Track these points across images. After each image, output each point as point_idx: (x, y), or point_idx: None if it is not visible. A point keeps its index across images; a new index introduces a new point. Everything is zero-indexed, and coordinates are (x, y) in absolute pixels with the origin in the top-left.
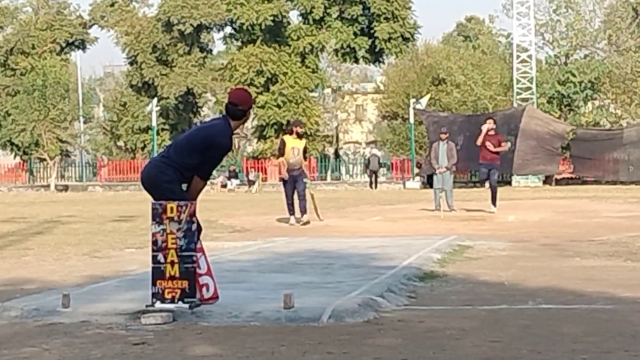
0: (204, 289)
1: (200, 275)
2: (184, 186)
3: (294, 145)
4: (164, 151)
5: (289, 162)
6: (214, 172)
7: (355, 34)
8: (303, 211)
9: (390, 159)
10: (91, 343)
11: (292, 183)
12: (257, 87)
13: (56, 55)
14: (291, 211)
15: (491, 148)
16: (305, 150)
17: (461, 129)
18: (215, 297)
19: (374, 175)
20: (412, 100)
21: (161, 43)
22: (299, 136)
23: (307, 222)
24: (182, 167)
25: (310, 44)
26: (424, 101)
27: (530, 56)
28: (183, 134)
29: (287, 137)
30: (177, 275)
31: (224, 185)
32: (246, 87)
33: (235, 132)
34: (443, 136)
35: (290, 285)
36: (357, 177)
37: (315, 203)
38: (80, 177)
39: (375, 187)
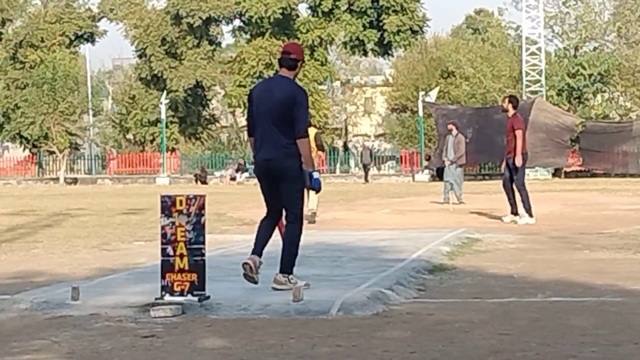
0: None
1: None
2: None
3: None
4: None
5: None
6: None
7: (364, 26)
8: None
9: (399, 152)
10: (100, 335)
11: None
12: None
13: (65, 48)
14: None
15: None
16: (316, 140)
17: (470, 122)
18: None
19: (365, 169)
20: (421, 93)
21: (170, 36)
22: None
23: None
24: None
25: (319, 36)
26: (434, 94)
27: (539, 49)
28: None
29: None
30: (186, 268)
31: (233, 178)
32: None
33: None
34: (449, 127)
35: (299, 278)
36: None
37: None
38: (89, 170)
39: (366, 180)
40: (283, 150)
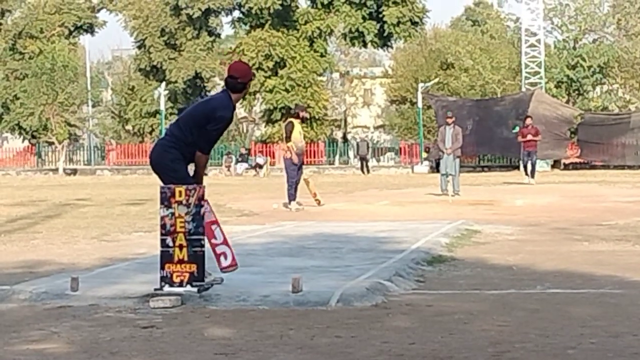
0: (222, 257)
1: (217, 245)
2: (192, 167)
3: (300, 129)
4: (168, 130)
5: (297, 145)
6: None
7: (363, 18)
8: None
9: (398, 143)
10: (100, 326)
11: (299, 168)
12: (266, 71)
13: (64, 39)
14: (293, 196)
15: (530, 137)
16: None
17: (470, 114)
18: (234, 264)
19: (364, 161)
20: (421, 85)
21: (169, 27)
22: (303, 121)
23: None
24: (186, 143)
25: (318, 28)
26: (430, 84)
27: (538, 40)
28: (185, 111)
29: (295, 121)
30: (186, 259)
31: (228, 167)
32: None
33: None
34: (449, 120)
35: (298, 269)
36: None
37: (311, 188)
38: (88, 160)
39: (368, 172)
40: None
